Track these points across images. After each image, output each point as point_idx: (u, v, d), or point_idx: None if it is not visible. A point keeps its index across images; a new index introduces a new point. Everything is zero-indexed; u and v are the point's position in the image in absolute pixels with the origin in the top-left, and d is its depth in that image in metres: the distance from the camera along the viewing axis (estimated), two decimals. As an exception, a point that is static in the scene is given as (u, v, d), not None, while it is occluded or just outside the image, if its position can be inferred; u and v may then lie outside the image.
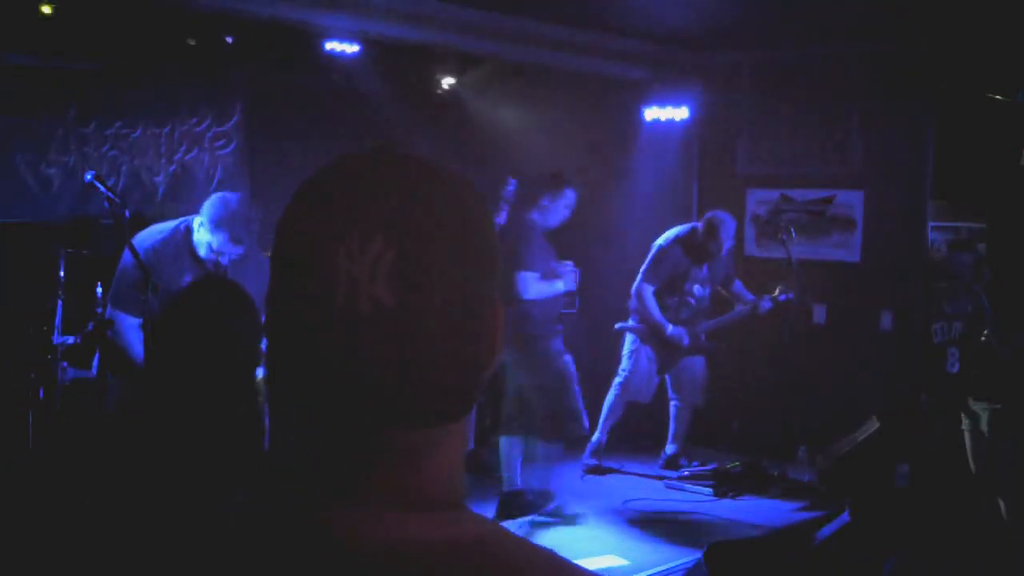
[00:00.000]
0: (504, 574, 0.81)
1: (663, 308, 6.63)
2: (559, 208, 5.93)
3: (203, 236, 4.25)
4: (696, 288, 6.73)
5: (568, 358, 6.01)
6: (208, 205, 4.27)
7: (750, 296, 6.93)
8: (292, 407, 0.84)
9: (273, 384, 0.85)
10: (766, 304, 6.79)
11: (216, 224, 4.20)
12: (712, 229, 6.55)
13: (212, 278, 2.46)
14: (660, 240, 6.72)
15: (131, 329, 4.22)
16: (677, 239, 6.68)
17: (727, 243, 6.64)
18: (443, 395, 0.81)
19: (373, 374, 0.79)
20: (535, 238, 5.83)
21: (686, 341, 6.68)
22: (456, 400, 0.83)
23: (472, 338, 0.83)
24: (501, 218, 6.23)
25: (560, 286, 5.90)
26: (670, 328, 6.61)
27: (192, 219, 4.32)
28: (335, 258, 0.79)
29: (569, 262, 6.00)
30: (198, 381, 2.02)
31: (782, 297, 6.80)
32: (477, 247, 0.83)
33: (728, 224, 6.59)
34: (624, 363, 6.87)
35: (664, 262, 6.60)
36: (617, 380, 6.87)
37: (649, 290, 6.62)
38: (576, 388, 6.00)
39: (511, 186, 6.24)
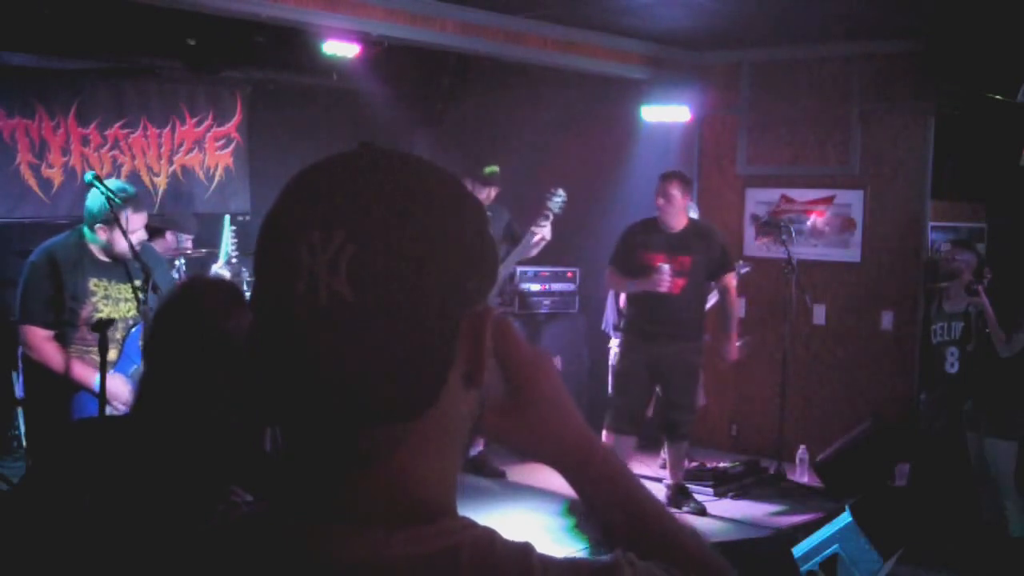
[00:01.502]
0: None
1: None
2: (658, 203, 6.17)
3: (112, 231, 4.17)
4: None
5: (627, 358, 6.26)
6: (92, 206, 4.20)
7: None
8: (267, 406, 0.84)
9: (250, 382, 0.85)
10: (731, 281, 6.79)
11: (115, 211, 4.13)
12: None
13: (201, 277, 2.45)
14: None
15: (44, 341, 4.19)
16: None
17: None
18: (391, 391, 0.80)
19: (331, 366, 0.79)
20: (624, 238, 6.28)
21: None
22: (404, 398, 0.81)
23: (430, 340, 0.81)
24: (546, 230, 6.15)
25: (634, 286, 6.14)
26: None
27: (82, 228, 4.27)
28: (298, 252, 0.79)
29: (664, 264, 6.05)
30: (193, 380, 2.01)
31: (743, 269, 6.85)
32: (450, 246, 0.82)
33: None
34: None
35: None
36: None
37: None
38: (628, 387, 6.24)
39: (559, 197, 6.13)
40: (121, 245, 4.20)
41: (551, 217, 6.15)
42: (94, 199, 4.23)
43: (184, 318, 2.05)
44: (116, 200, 4.17)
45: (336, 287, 0.78)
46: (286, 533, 0.83)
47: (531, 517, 5.81)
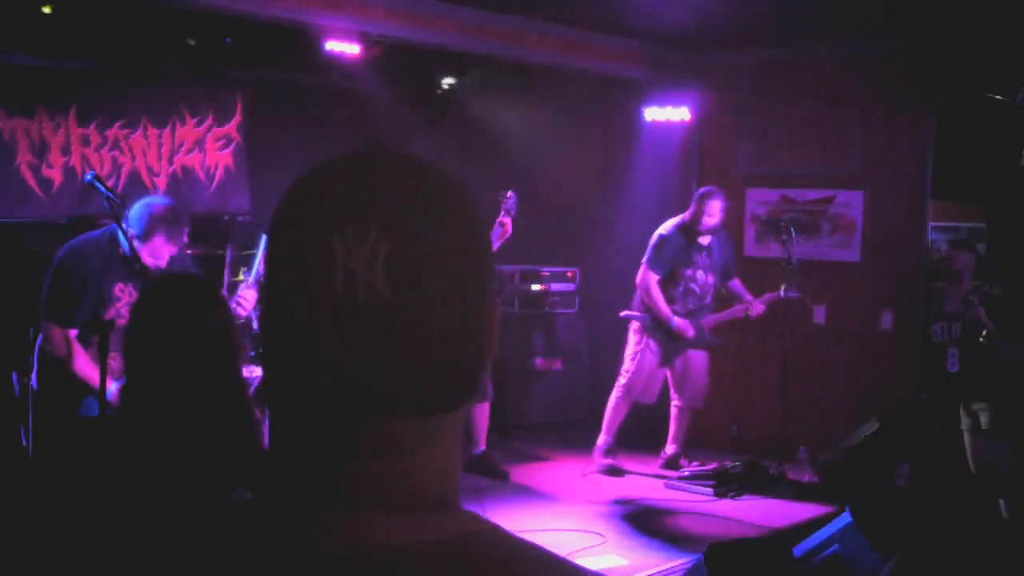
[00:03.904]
0: (485, 573, 0.81)
1: (669, 299, 6.66)
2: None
3: (143, 246, 4.20)
4: (699, 275, 6.73)
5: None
6: (134, 215, 4.21)
7: (748, 296, 6.94)
8: (291, 401, 0.84)
9: (272, 379, 0.85)
10: (758, 307, 6.80)
11: (147, 230, 4.16)
12: (699, 200, 6.65)
13: (177, 273, 2.45)
14: (660, 230, 6.74)
15: (62, 340, 4.19)
16: (676, 226, 6.72)
17: (715, 206, 6.60)
18: (434, 386, 0.82)
19: (369, 360, 0.80)
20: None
21: (690, 333, 6.69)
22: (446, 392, 0.83)
23: (464, 334, 0.83)
24: (508, 226, 6.24)
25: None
26: (675, 320, 6.64)
27: (115, 227, 4.27)
28: (332, 248, 0.80)
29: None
30: (176, 377, 2.01)
31: (791, 294, 6.79)
32: (470, 245, 0.84)
33: (713, 192, 6.65)
34: (627, 364, 6.83)
35: (666, 247, 6.63)
36: (620, 382, 6.83)
37: (655, 279, 6.63)
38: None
39: (511, 199, 6.22)
40: (149, 259, 4.20)
41: (511, 216, 6.25)
42: (135, 210, 4.23)
43: (162, 316, 2.04)
44: (116, 200, 4.16)
45: (375, 284, 0.79)
46: (287, 529, 0.83)
47: (535, 518, 5.81)
